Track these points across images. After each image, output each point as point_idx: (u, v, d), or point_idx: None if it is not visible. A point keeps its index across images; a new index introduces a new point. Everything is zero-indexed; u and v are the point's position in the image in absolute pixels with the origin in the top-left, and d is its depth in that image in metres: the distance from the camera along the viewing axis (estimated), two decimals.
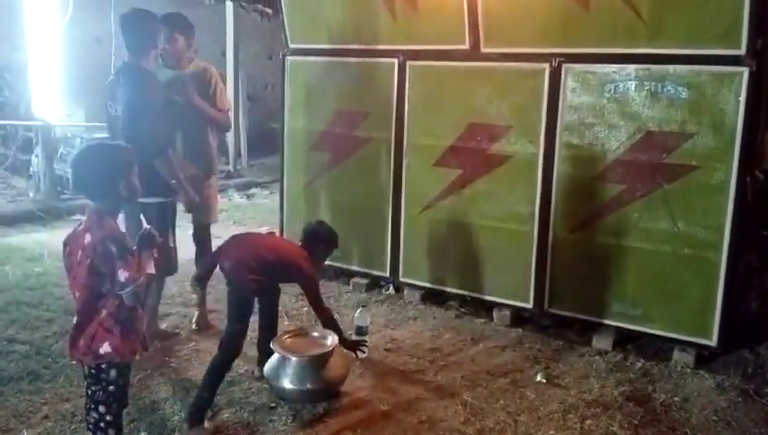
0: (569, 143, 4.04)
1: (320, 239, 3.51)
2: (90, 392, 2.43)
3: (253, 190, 8.50)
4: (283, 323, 4.22)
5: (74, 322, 2.41)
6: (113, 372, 2.41)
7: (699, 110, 3.66)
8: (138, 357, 2.49)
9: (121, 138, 3.52)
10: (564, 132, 4.04)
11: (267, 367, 3.23)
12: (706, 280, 3.74)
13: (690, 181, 3.73)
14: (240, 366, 3.60)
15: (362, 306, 3.94)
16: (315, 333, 3.38)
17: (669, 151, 3.76)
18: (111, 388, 2.42)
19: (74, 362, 2.46)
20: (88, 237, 2.33)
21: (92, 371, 2.40)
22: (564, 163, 4.07)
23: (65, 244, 2.43)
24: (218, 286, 4.82)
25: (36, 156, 7.28)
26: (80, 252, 2.34)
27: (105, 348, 2.37)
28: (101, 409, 2.42)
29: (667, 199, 3.80)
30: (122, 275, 2.31)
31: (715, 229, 3.69)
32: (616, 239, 3.97)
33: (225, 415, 3.15)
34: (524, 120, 4.17)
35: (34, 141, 7.42)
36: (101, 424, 2.42)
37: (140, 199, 3.47)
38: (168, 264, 3.84)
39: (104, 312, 2.37)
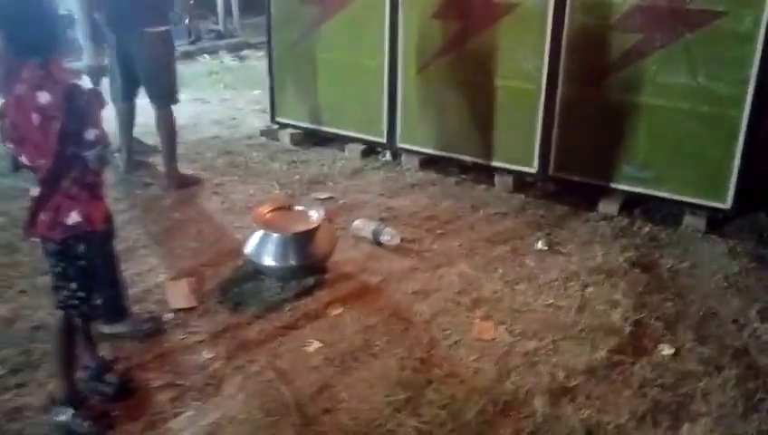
0: None
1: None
2: (58, 271, 2.22)
3: (245, 52, 8.02)
4: (274, 192, 4.03)
5: (34, 195, 2.17)
6: (82, 246, 2.21)
7: None
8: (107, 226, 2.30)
9: None
10: None
11: (249, 244, 3.05)
12: (725, 139, 3.48)
13: (715, 30, 3.37)
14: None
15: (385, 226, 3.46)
16: (299, 207, 3.17)
17: None
18: (82, 262, 2.22)
19: (35, 240, 2.25)
20: (44, 96, 2.03)
21: (59, 247, 2.21)
22: (577, 11, 3.65)
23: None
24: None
25: None
26: (34, 115, 2.05)
27: (74, 217, 2.16)
28: (73, 285, 2.22)
29: (689, 50, 3.44)
30: (91, 133, 2.07)
31: (739, 83, 3.37)
32: (629, 96, 3.65)
33: (209, 286, 3.03)
34: None
35: None
36: (74, 301, 2.24)
37: (147, 29, 3.80)
38: (175, 92, 4.09)
39: (67, 180, 2.14)
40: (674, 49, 3.48)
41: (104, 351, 2.51)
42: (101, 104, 2.16)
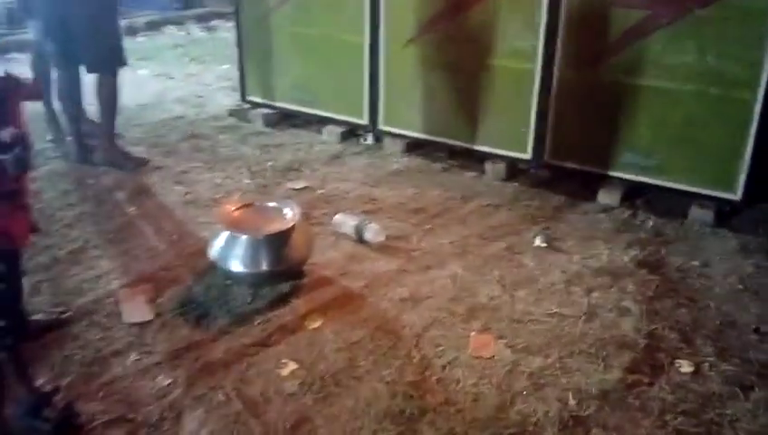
0: None
1: None
2: None
3: (213, 22, 7.57)
4: (244, 182, 3.67)
5: None
6: (2, 266, 1.86)
7: None
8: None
9: None
10: None
11: (214, 245, 2.69)
12: (735, 124, 3.19)
13: (727, 5, 3.08)
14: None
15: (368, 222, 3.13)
16: (271, 204, 2.81)
17: None
18: (2, 285, 1.88)
19: None
20: None
21: None
22: None
23: None
24: None
25: None
26: None
27: None
28: None
29: (698, 28, 3.15)
30: (7, 132, 1.70)
31: (753, 64, 3.08)
32: (632, 78, 3.35)
33: (169, 295, 2.67)
34: None
35: None
36: None
37: None
38: (121, 56, 3.76)
39: None
40: (681, 26, 3.18)
41: (42, 379, 2.16)
42: (23, 96, 1.78)
